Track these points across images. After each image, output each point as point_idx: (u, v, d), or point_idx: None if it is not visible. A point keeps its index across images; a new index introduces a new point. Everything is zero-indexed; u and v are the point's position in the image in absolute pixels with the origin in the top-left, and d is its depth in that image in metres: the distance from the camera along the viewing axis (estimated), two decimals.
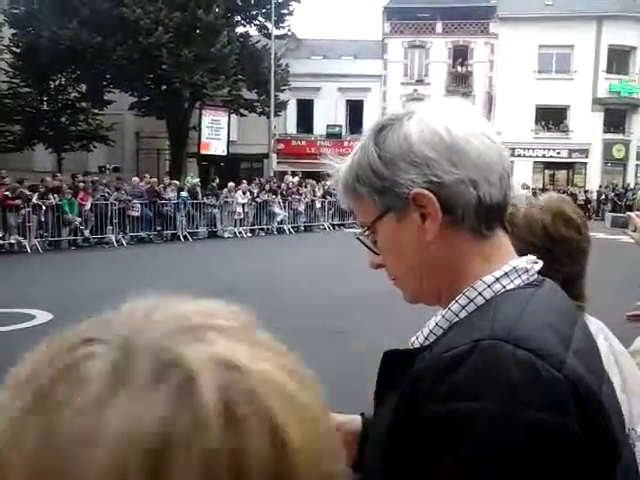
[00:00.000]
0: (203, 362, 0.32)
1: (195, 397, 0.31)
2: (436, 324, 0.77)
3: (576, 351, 0.68)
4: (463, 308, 0.75)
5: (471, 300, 0.75)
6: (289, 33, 28.22)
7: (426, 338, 0.78)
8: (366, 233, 0.81)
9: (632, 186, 29.91)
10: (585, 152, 31.23)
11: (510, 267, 0.76)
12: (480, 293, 0.75)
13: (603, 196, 29.38)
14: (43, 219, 14.32)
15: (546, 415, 0.62)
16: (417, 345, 0.79)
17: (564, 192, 28.80)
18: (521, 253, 0.82)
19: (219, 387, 0.31)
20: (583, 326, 0.78)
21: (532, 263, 0.79)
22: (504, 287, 0.75)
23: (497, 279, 0.75)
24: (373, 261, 0.83)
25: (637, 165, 31.67)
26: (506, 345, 0.64)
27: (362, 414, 0.98)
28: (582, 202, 28.71)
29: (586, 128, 30.49)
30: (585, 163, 31.58)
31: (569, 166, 32.14)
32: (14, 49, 23.92)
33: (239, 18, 26.40)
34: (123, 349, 0.33)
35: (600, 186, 30.29)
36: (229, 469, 0.30)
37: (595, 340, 0.81)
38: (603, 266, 10.03)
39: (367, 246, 0.83)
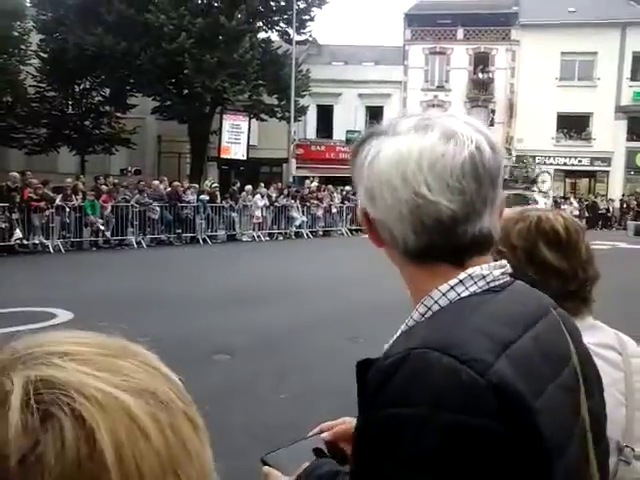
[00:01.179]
0: (19, 383, 0.37)
1: (5, 407, 0.36)
2: (401, 332, 0.80)
3: (513, 356, 0.70)
4: (422, 316, 0.78)
5: (429, 308, 0.78)
6: (310, 39, 28.39)
7: (391, 346, 0.80)
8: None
9: None
10: (607, 160, 30.84)
11: (465, 275, 0.77)
12: (436, 301, 0.77)
13: (625, 205, 28.99)
14: (67, 220, 14.61)
15: (466, 418, 0.65)
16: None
17: (585, 200, 28.58)
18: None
19: (28, 403, 0.36)
20: (546, 330, 0.79)
21: (493, 269, 0.80)
22: (459, 295, 0.77)
23: (452, 287, 0.77)
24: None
25: None
26: (434, 352, 0.68)
27: None
28: (604, 211, 28.38)
29: (609, 136, 30.12)
30: (607, 171, 31.17)
31: (591, 174, 31.77)
32: (41, 54, 24.49)
33: (261, 24, 26.65)
34: None
35: (623, 195, 29.89)
36: (28, 468, 0.34)
37: (558, 345, 0.81)
38: (626, 276, 9.90)
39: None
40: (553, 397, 0.72)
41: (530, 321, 0.78)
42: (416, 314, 0.79)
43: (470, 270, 0.78)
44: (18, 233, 13.52)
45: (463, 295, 0.77)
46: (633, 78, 30.54)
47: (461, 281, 0.78)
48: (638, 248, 17.94)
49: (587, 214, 27.85)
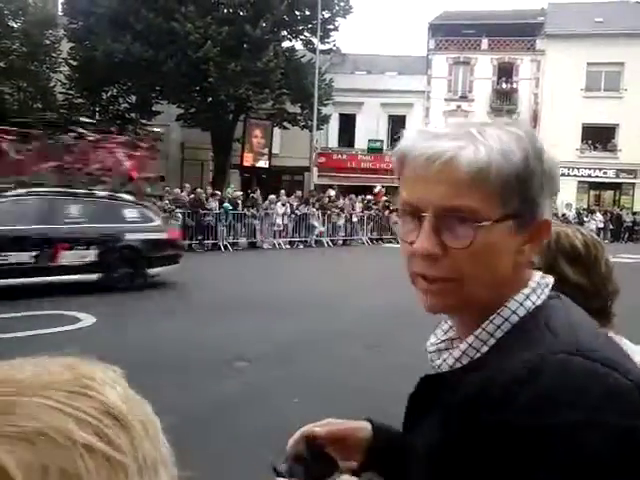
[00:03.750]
0: None
1: None
2: (470, 345, 0.77)
3: (628, 358, 0.72)
4: (498, 327, 0.76)
5: (506, 319, 0.76)
6: (334, 48, 28.54)
7: (457, 360, 0.78)
8: (468, 224, 0.74)
9: None
10: (634, 172, 30.34)
11: (535, 283, 0.78)
12: (514, 312, 0.76)
13: None
14: None
15: (620, 419, 0.65)
16: (446, 368, 0.79)
17: (610, 213, 28.12)
18: None
19: None
20: None
21: (544, 277, 0.81)
22: (534, 303, 0.77)
23: (527, 296, 0.77)
24: (432, 250, 0.74)
25: None
26: (574, 357, 0.67)
27: (369, 420, 1.00)
28: (629, 224, 27.89)
29: (635, 148, 29.63)
30: (633, 184, 30.68)
31: (616, 186, 31.28)
32: (71, 62, 25.01)
33: (285, 33, 26.87)
34: None
35: None
36: None
37: None
38: None
39: (434, 230, 0.75)
40: None
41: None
42: (490, 326, 0.76)
43: (536, 278, 0.79)
44: None
45: (537, 303, 0.77)
46: None
47: (533, 290, 0.78)
48: None
49: (612, 227, 27.40)
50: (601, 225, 26.15)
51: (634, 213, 28.57)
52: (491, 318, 0.76)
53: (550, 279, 0.81)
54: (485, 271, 0.74)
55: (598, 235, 1.51)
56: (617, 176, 30.69)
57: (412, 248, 0.76)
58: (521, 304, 0.76)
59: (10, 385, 0.38)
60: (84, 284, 9.24)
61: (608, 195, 31.63)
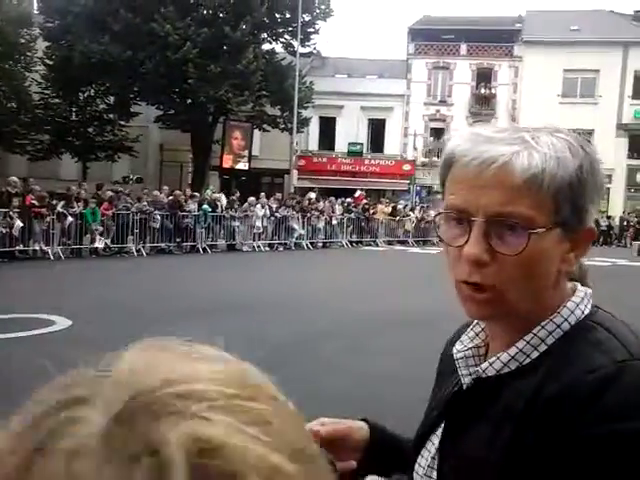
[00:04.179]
0: (179, 445, 0.29)
1: None
2: (520, 350, 0.77)
3: None
4: (550, 334, 0.77)
5: (558, 326, 0.77)
6: (314, 51, 28.61)
7: (505, 364, 0.78)
8: (520, 232, 0.73)
9: None
10: (608, 177, 30.89)
11: (583, 292, 0.80)
12: (566, 319, 0.77)
13: (625, 222, 29.04)
14: (66, 227, 14.61)
15: None
16: (492, 372, 0.79)
17: None
18: None
19: (193, 473, 0.28)
20: None
21: (584, 286, 0.83)
22: (583, 312, 0.78)
23: (577, 305, 0.78)
24: (480, 256, 0.74)
25: None
26: None
27: (365, 419, 0.99)
28: (604, 228, 28.41)
29: (610, 153, 30.18)
30: (608, 188, 31.25)
31: None
32: (47, 61, 24.65)
33: (265, 35, 26.86)
34: (110, 418, 0.30)
35: (623, 212, 29.93)
36: None
37: None
38: (628, 293, 9.88)
39: (486, 237, 0.74)
40: None
41: None
42: (542, 331, 0.77)
43: (581, 288, 0.81)
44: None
45: (586, 312, 0.78)
46: (634, 96, 30.72)
47: (582, 299, 0.79)
48: (639, 265, 17.95)
49: None
50: None
51: (609, 217, 29.10)
52: (543, 324, 0.77)
53: (589, 289, 0.82)
54: (530, 279, 0.75)
55: None
56: None
57: (459, 253, 0.76)
58: (572, 312, 0.78)
59: (260, 399, 0.33)
60: (56, 286, 9.04)
61: None
